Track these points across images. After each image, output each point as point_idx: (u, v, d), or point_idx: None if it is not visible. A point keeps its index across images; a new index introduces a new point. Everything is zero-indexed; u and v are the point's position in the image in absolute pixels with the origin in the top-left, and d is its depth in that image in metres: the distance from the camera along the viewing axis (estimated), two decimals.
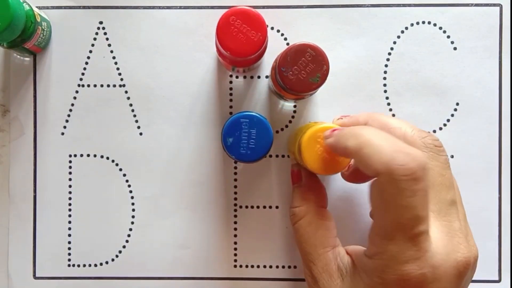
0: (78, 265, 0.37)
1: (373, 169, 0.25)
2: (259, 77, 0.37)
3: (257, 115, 0.32)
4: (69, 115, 0.37)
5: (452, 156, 0.37)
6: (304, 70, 0.30)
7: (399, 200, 0.25)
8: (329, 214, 0.33)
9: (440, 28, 0.37)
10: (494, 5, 0.37)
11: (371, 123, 0.31)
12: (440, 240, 0.27)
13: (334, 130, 0.29)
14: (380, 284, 0.27)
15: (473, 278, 0.36)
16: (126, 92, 0.37)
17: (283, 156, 0.37)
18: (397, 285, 0.26)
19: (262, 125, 0.31)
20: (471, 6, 0.37)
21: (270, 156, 0.37)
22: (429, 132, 0.30)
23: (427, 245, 0.26)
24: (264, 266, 0.37)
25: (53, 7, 0.37)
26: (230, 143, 0.31)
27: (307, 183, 0.34)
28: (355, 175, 0.34)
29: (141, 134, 0.37)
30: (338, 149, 0.28)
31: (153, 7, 0.37)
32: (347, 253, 0.31)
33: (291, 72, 0.31)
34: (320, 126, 0.30)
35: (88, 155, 0.37)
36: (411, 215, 0.25)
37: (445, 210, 0.28)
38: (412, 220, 0.25)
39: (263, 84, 0.37)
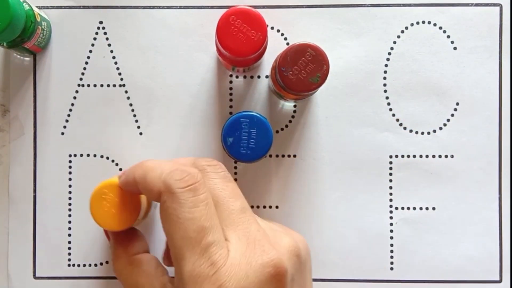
0: (78, 265, 0.37)
1: (156, 191, 0.26)
2: (259, 77, 0.37)
3: (257, 115, 0.32)
4: (69, 115, 0.37)
5: (452, 156, 0.37)
6: (304, 70, 0.30)
7: (181, 213, 0.25)
8: (144, 258, 0.31)
9: (440, 28, 0.37)
10: (494, 5, 0.37)
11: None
12: (238, 248, 0.26)
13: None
14: None
15: (473, 279, 0.37)
16: (126, 92, 0.37)
17: (283, 156, 0.37)
18: None
19: (262, 125, 0.31)
20: (471, 6, 0.37)
21: (270, 156, 0.37)
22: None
23: (221, 258, 0.25)
24: None
25: (53, 7, 0.37)
26: (230, 143, 0.31)
27: (113, 237, 0.33)
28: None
29: (141, 134, 0.37)
30: (129, 184, 0.29)
31: (153, 7, 0.37)
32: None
33: (291, 72, 0.30)
34: (102, 183, 0.31)
35: (88, 155, 0.37)
36: (195, 227, 0.25)
37: (238, 219, 0.27)
38: (197, 232, 0.25)
39: (263, 84, 0.37)
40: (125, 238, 0.33)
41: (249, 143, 0.31)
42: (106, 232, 0.34)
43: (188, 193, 0.26)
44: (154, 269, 0.31)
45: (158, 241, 0.37)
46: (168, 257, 0.34)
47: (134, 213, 0.31)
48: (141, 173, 0.28)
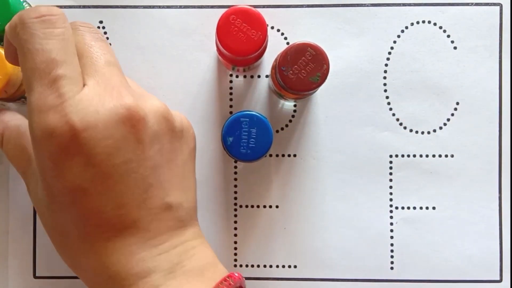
0: None
1: (13, 26, 0.26)
2: (259, 76, 0.37)
3: (257, 114, 0.32)
4: None
5: (452, 156, 0.37)
6: (304, 70, 0.30)
7: (31, 44, 0.25)
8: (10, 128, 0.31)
9: (440, 27, 0.37)
10: (494, 4, 0.37)
11: None
12: (93, 89, 0.25)
13: None
14: (36, 148, 0.25)
15: (473, 278, 0.37)
16: None
17: (283, 155, 0.37)
18: (49, 143, 0.24)
19: (262, 124, 0.31)
20: (471, 5, 0.37)
21: (270, 155, 0.37)
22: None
23: (68, 91, 0.24)
24: (264, 266, 0.37)
25: None
26: (230, 143, 0.31)
27: None
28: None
29: None
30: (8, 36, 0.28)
31: (153, 7, 0.37)
32: None
33: (291, 72, 0.31)
34: None
35: None
36: (45, 58, 0.24)
37: (101, 69, 0.26)
38: (46, 63, 0.24)
39: (263, 83, 0.37)
40: None
41: (249, 142, 0.31)
42: None
43: (41, 24, 0.25)
44: (14, 133, 0.31)
45: None
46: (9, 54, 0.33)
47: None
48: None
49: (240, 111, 0.32)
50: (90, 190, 0.25)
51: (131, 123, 0.25)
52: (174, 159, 0.28)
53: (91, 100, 0.25)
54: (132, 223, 0.26)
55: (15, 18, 0.26)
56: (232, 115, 0.32)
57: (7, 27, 0.27)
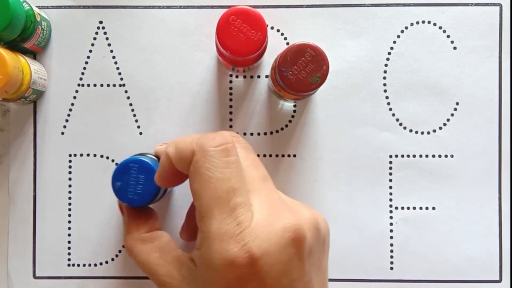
0: (78, 265, 0.37)
1: (189, 151, 0.27)
2: (259, 76, 0.37)
3: (147, 160, 0.32)
4: (69, 115, 0.37)
5: (452, 156, 0.37)
6: (304, 70, 0.30)
7: (213, 172, 0.26)
8: (156, 234, 0.32)
9: (440, 27, 0.37)
10: (494, 4, 0.37)
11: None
12: (261, 212, 0.26)
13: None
14: (212, 275, 0.26)
15: (473, 278, 0.37)
16: (126, 91, 0.37)
17: (283, 155, 0.37)
18: (228, 272, 0.25)
19: (151, 171, 0.31)
20: (471, 5, 0.37)
21: (270, 156, 0.37)
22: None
23: (247, 219, 0.25)
24: None
25: (53, 7, 0.37)
26: (118, 187, 0.31)
27: (127, 214, 0.33)
28: (191, 230, 0.33)
29: (141, 134, 0.37)
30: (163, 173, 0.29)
31: (153, 7, 0.37)
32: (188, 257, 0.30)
33: (291, 72, 0.31)
34: None
35: (88, 155, 0.37)
36: (226, 186, 0.25)
37: (260, 186, 0.27)
38: (227, 192, 0.25)
39: (263, 83, 0.37)
40: (139, 215, 0.33)
41: (136, 188, 0.31)
42: (120, 207, 0.34)
43: (221, 153, 0.26)
44: (166, 244, 0.31)
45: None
46: (187, 231, 0.35)
47: None
48: (172, 144, 0.28)
49: (132, 156, 0.32)
50: None
51: (296, 244, 0.26)
52: (321, 266, 0.29)
53: (263, 227, 0.25)
54: None
55: (191, 146, 0.27)
56: (122, 161, 0.32)
57: (176, 152, 0.28)
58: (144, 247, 0.31)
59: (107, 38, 0.37)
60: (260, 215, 0.26)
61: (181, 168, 0.27)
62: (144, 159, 0.32)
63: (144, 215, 0.33)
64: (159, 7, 0.37)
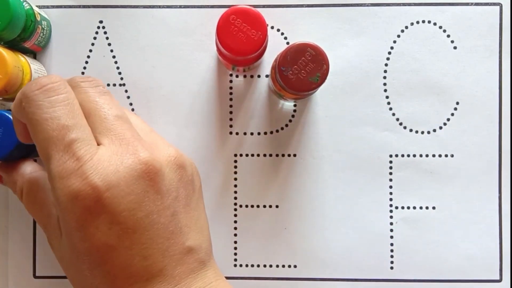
0: None
1: (18, 103, 0.27)
2: (259, 76, 0.37)
3: (7, 114, 0.32)
4: None
5: (452, 156, 0.37)
6: (304, 70, 0.30)
7: (39, 115, 0.25)
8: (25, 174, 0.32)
9: (440, 27, 0.37)
10: (494, 4, 0.37)
11: None
12: (109, 148, 0.26)
13: None
14: (63, 214, 0.26)
15: (473, 278, 0.37)
16: (126, 91, 0.37)
17: (283, 155, 0.37)
18: (74, 207, 0.25)
19: (9, 124, 0.32)
20: (471, 5, 0.37)
21: (270, 155, 0.37)
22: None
23: (86, 153, 0.25)
24: (264, 266, 0.37)
25: (53, 6, 0.37)
26: None
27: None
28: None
29: None
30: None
31: (153, 6, 0.37)
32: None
33: (291, 72, 0.31)
34: None
35: None
36: (55, 125, 0.25)
37: (111, 126, 0.27)
38: (57, 130, 0.25)
39: (263, 83, 0.37)
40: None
41: None
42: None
43: (44, 94, 0.26)
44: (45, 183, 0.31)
45: None
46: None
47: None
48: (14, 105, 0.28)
49: None
50: (117, 247, 0.25)
51: (150, 176, 0.26)
52: (189, 203, 0.29)
53: (109, 160, 0.25)
54: (159, 271, 0.26)
55: (18, 95, 0.27)
56: None
57: (12, 106, 0.28)
58: (27, 195, 0.31)
59: (107, 38, 0.37)
60: (107, 150, 0.26)
61: (23, 120, 0.27)
62: (4, 113, 0.32)
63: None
64: (159, 6, 0.37)
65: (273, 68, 0.33)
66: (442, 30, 0.37)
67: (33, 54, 0.37)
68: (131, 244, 0.26)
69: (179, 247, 0.27)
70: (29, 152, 0.34)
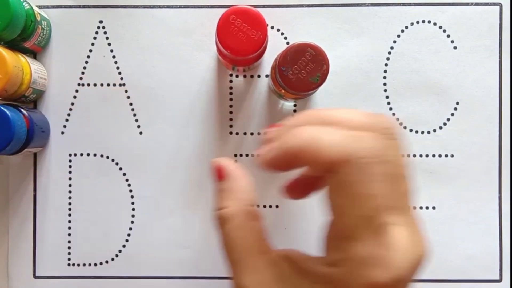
0: (78, 265, 0.37)
1: (328, 161, 0.22)
2: (259, 76, 0.37)
3: (5, 109, 0.32)
4: (69, 115, 0.37)
5: (452, 156, 0.37)
6: (304, 70, 0.30)
7: (365, 189, 0.22)
8: (259, 214, 0.27)
9: (440, 27, 0.37)
10: (494, 4, 0.37)
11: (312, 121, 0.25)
12: (404, 236, 0.23)
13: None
14: None
15: (473, 278, 0.37)
16: (126, 91, 0.37)
17: None
18: None
19: (6, 119, 0.31)
20: (471, 5, 0.37)
21: None
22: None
23: (391, 241, 0.22)
24: None
25: (53, 6, 0.37)
26: None
27: (233, 179, 0.28)
28: (299, 186, 0.30)
29: (141, 133, 0.37)
30: (278, 160, 0.24)
31: (153, 6, 0.37)
32: (284, 259, 0.27)
33: (291, 72, 0.30)
34: None
35: (88, 154, 0.37)
36: (374, 204, 0.22)
37: (407, 202, 0.24)
38: (376, 211, 0.22)
39: (263, 83, 0.37)
40: (244, 182, 0.28)
41: None
42: (219, 172, 0.28)
43: (379, 166, 0.22)
44: (265, 229, 0.27)
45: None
46: (297, 187, 0.30)
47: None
48: (298, 144, 0.23)
49: None
50: None
51: (421, 268, 0.24)
52: None
53: (405, 252, 0.23)
54: None
55: (335, 154, 0.22)
56: None
57: (307, 150, 0.22)
58: (246, 224, 0.26)
59: (107, 38, 0.37)
60: (403, 242, 0.23)
61: (313, 170, 0.23)
62: (2, 108, 0.32)
63: (250, 184, 0.28)
64: (159, 6, 0.37)
65: (273, 68, 0.33)
66: (442, 30, 0.37)
67: (33, 54, 0.37)
68: None
69: None
70: (26, 144, 0.34)
